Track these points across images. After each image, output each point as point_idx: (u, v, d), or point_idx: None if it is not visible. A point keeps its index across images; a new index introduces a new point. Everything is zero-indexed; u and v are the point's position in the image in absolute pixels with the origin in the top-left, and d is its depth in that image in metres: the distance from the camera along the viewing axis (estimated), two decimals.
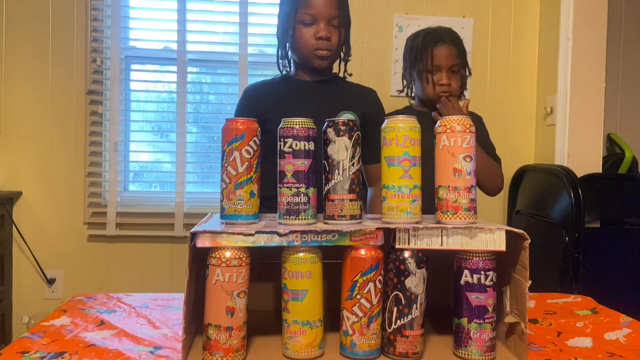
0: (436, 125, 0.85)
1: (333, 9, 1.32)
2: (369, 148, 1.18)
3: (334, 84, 1.44)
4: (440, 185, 0.83)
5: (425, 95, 1.55)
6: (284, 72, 1.44)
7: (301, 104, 1.35)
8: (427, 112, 1.56)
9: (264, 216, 0.95)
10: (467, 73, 1.60)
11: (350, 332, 0.80)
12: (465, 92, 1.63)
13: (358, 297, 0.79)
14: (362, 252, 0.79)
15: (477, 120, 1.66)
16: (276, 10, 2.45)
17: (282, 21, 1.40)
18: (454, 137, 0.82)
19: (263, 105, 1.37)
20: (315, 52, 1.32)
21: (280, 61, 1.43)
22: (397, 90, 1.60)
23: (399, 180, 0.82)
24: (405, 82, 1.61)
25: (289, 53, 1.42)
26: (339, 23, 1.34)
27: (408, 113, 1.40)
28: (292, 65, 1.44)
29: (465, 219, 0.81)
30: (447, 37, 1.52)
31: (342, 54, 1.42)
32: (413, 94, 1.65)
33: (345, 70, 1.46)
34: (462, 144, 0.82)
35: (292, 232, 0.78)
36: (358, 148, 0.84)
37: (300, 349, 0.80)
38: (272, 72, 2.50)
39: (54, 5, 2.27)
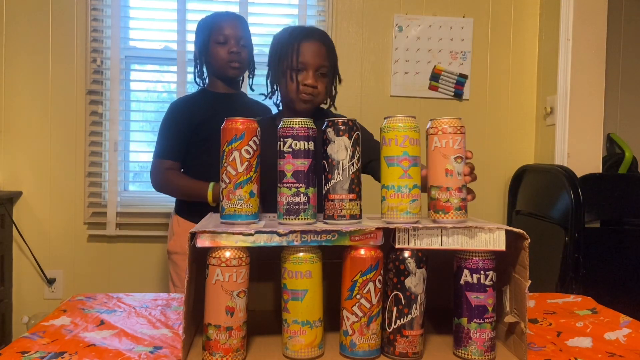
0: (427, 127, 0.86)
1: (241, 32, 1.64)
2: None
3: (243, 97, 1.76)
4: (433, 185, 0.84)
5: (287, 97, 1.31)
6: (201, 87, 1.71)
7: (222, 111, 1.56)
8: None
9: (264, 216, 0.95)
10: (337, 81, 1.36)
11: (350, 332, 0.80)
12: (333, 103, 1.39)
13: (358, 297, 0.79)
14: (362, 252, 0.79)
15: None
16: (276, 10, 2.48)
17: (199, 45, 1.68)
18: (445, 138, 0.83)
19: (194, 115, 1.63)
20: (229, 64, 1.62)
21: (197, 78, 1.71)
22: (261, 94, 1.38)
23: (399, 180, 0.82)
24: (270, 86, 1.35)
25: (204, 70, 1.70)
26: (245, 43, 1.65)
27: (268, 123, 1.26)
28: (208, 79, 1.71)
29: (456, 217, 0.82)
30: (317, 34, 1.31)
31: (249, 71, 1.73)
32: (279, 101, 1.39)
33: (251, 85, 1.77)
34: (454, 145, 0.83)
35: (291, 232, 0.78)
36: (358, 148, 0.84)
37: (300, 348, 0.80)
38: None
39: (54, 5, 2.27)
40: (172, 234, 1.70)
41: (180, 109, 1.67)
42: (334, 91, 1.36)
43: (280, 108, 1.40)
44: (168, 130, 1.65)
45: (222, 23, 1.63)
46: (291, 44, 1.27)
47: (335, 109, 1.40)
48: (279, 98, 1.36)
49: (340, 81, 1.37)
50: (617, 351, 0.88)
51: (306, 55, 1.26)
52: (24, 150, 2.28)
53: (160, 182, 1.65)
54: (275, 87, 1.34)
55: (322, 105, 1.38)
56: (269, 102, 1.44)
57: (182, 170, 1.68)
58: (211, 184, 1.54)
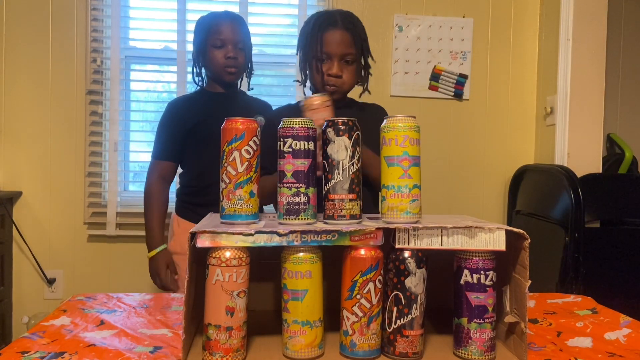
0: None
1: (239, 35, 1.61)
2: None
3: (242, 95, 1.73)
4: None
5: (314, 87, 1.34)
6: (199, 87, 1.69)
7: (219, 111, 1.55)
8: None
9: (264, 216, 0.95)
10: (367, 65, 1.35)
11: (350, 332, 0.80)
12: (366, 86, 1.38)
13: (358, 297, 0.79)
14: (362, 252, 0.79)
15: (381, 113, 1.41)
16: (276, 10, 2.48)
17: (197, 47, 1.65)
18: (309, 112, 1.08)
19: (189, 115, 1.62)
20: (225, 69, 1.60)
21: (195, 78, 1.68)
22: (295, 81, 1.39)
23: (399, 180, 0.82)
24: (302, 74, 1.36)
25: (203, 70, 1.68)
26: (243, 46, 1.62)
27: (293, 111, 1.27)
28: (206, 80, 1.69)
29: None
30: (340, 21, 1.28)
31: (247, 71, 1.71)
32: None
33: (248, 84, 1.74)
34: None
35: (292, 232, 0.78)
36: (358, 148, 0.84)
37: (300, 348, 0.80)
38: (271, 72, 2.51)
39: (54, 5, 2.27)
40: (172, 234, 1.70)
41: (177, 108, 1.67)
42: (364, 74, 1.34)
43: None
44: (165, 129, 1.65)
45: (219, 26, 1.60)
46: (315, 34, 1.26)
47: (369, 92, 1.38)
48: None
49: (370, 66, 1.35)
50: (617, 351, 0.88)
51: (329, 45, 1.26)
52: (24, 150, 2.28)
53: (145, 190, 1.69)
54: (306, 75, 1.34)
55: (351, 95, 1.38)
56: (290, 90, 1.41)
57: (179, 170, 1.70)
58: (159, 249, 1.63)
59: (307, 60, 1.30)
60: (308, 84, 1.36)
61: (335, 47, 1.26)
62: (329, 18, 1.29)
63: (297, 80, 1.38)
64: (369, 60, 1.35)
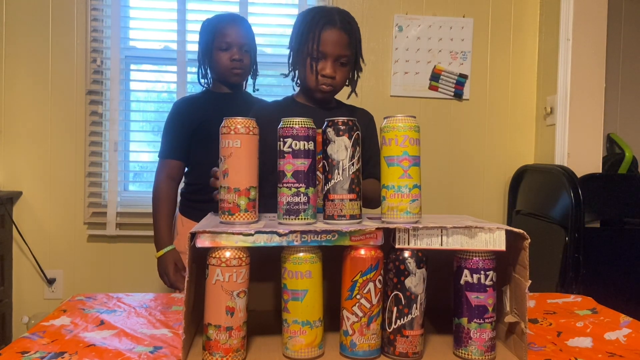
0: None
1: (244, 38, 1.64)
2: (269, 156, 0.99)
3: (246, 96, 1.75)
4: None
5: (303, 83, 1.31)
6: (205, 87, 1.72)
7: (224, 110, 1.49)
8: (306, 106, 1.33)
9: (264, 216, 0.95)
10: (359, 67, 1.33)
11: (350, 332, 0.80)
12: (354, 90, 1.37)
13: (358, 297, 0.79)
14: (362, 252, 0.79)
15: (369, 119, 1.42)
16: (276, 10, 2.48)
17: (202, 48, 1.68)
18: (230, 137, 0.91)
19: (195, 114, 1.65)
20: (231, 71, 1.63)
21: (201, 79, 1.71)
22: (282, 74, 1.38)
23: (399, 180, 0.82)
24: (290, 67, 1.33)
25: (208, 72, 1.71)
26: (248, 48, 1.65)
27: (286, 106, 1.33)
28: (211, 81, 1.72)
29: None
30: (339, 21, 1.25)
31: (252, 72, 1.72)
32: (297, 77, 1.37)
33: (254, 85, 1.77)
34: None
35: (291, 232, 0.78)
36: (358, 148, 0.84)
37: (300, 349, 0.80)
38: (271, 72, 2.50)
39: (54, 5, 2.27)
40: (176, 233, 1.71)
41: (183, 108, 1.69)
42: (356, 77, 1.33)
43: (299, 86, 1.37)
44: (171, 129, 1.67)
45: (225, 29, 1.62)
46: (312, 31, 1.24)
47: (357, 95, 1.37)
48: (297, 77, 1.34)
49: (361, 69, 1.34)
50: (617, 351, 0.88)
51: (326, 45, 1.23)
52: (24, 150, 2.28)
53: (153, 189, 1.68)
54: (294, 69, 1.32)
55: (339, 98, 1.37)
56: (286, 81, 1.39)
57: (185, 169, 1.71)
58: (168, 248, 1.62)
59: (301, 57, 1.27)
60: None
61: (332, 48, 1.24)
62: (327, 16, 1.25)
63: (283, 74, 1.36)
64: (361, 62, 1.34)
